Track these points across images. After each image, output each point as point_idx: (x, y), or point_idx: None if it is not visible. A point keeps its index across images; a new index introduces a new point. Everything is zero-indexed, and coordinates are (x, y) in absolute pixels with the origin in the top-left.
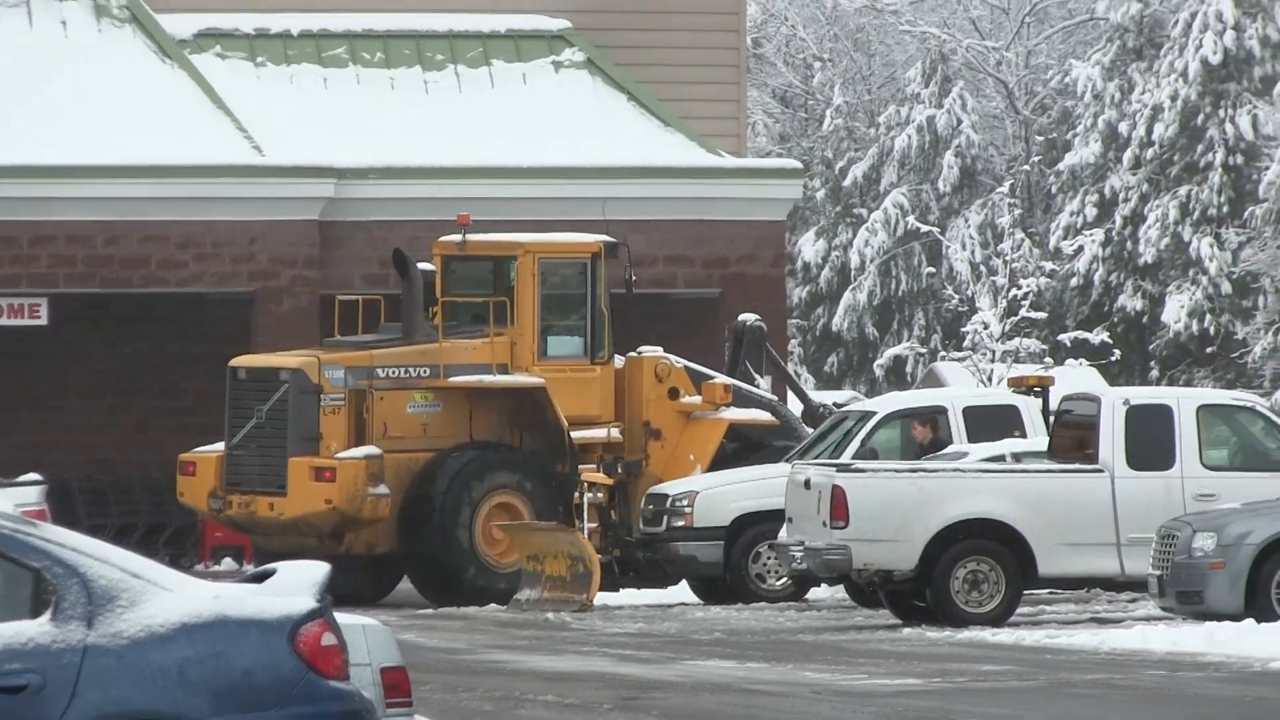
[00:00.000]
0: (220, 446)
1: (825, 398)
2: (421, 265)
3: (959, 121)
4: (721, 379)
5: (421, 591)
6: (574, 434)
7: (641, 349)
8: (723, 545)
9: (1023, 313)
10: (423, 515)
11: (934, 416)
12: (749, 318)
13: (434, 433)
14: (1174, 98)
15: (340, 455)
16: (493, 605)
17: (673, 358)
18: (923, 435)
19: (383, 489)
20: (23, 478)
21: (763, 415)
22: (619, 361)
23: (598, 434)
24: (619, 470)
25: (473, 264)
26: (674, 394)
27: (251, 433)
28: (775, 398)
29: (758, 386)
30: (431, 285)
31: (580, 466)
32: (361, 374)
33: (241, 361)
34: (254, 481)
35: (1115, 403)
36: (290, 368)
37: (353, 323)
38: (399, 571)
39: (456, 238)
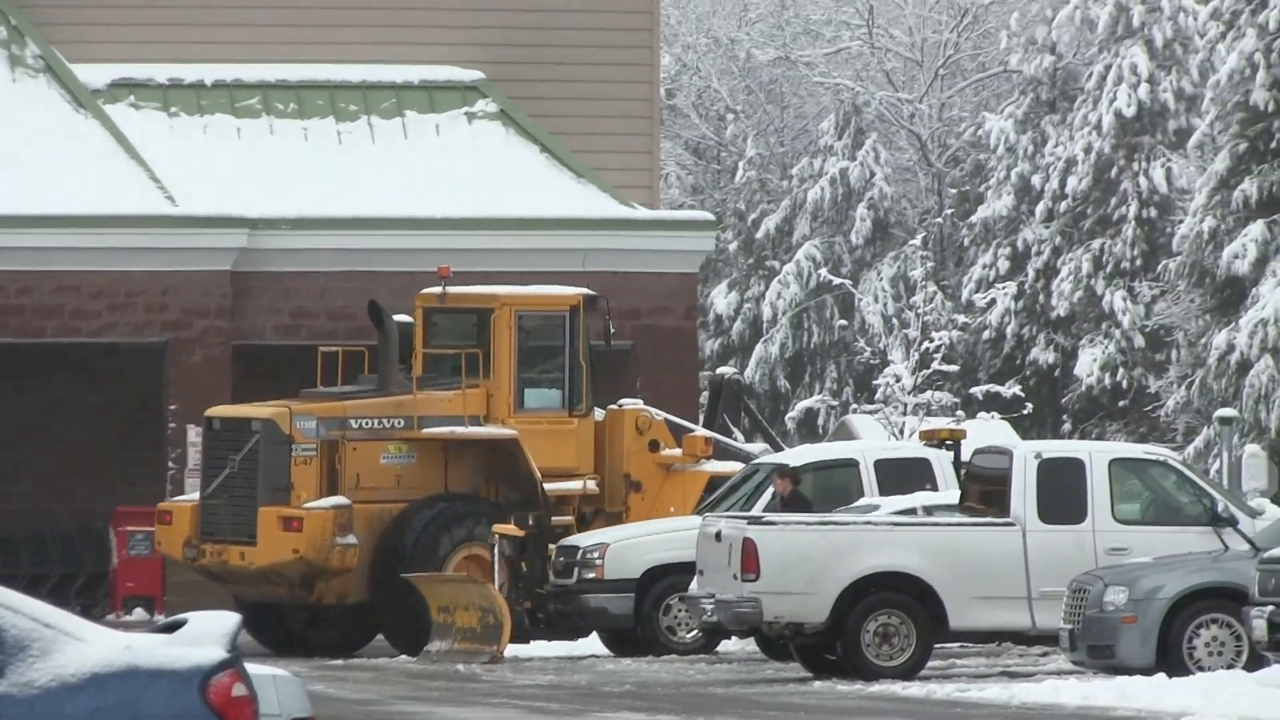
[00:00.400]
0: (196, 496)
1: (751, 449)
2: (397, 317)
3: (872, 174)
4: (702, 432)
5: (393, 643)
6: (550, 486)
7: (622, 401)
8: (633, 597)
9: (935, 366)
10: (392, 566)
11: (794, 471)
12: (726, 371)
13: (408, 484)
14: (1088, 150)
15: (308, 505)
16: (403, 657)
17: (653, 410)
18: (783, 488)
19: (351, 539)
20: None
21: (740, 467)
22: (599, 414)
23: (573, 486)
24: (530, 523)
25: (454, 316)
26: (654, 446)
27: (225, 482)
28: (754, 450)
29: (736, 439)
30: (408, 337)
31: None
32: (334, 424)
33: (216, 411)
34: (226, 531)
35: (1027, 456)
36: (262, 418)
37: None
38: (376, 623)
39: (438, 290)
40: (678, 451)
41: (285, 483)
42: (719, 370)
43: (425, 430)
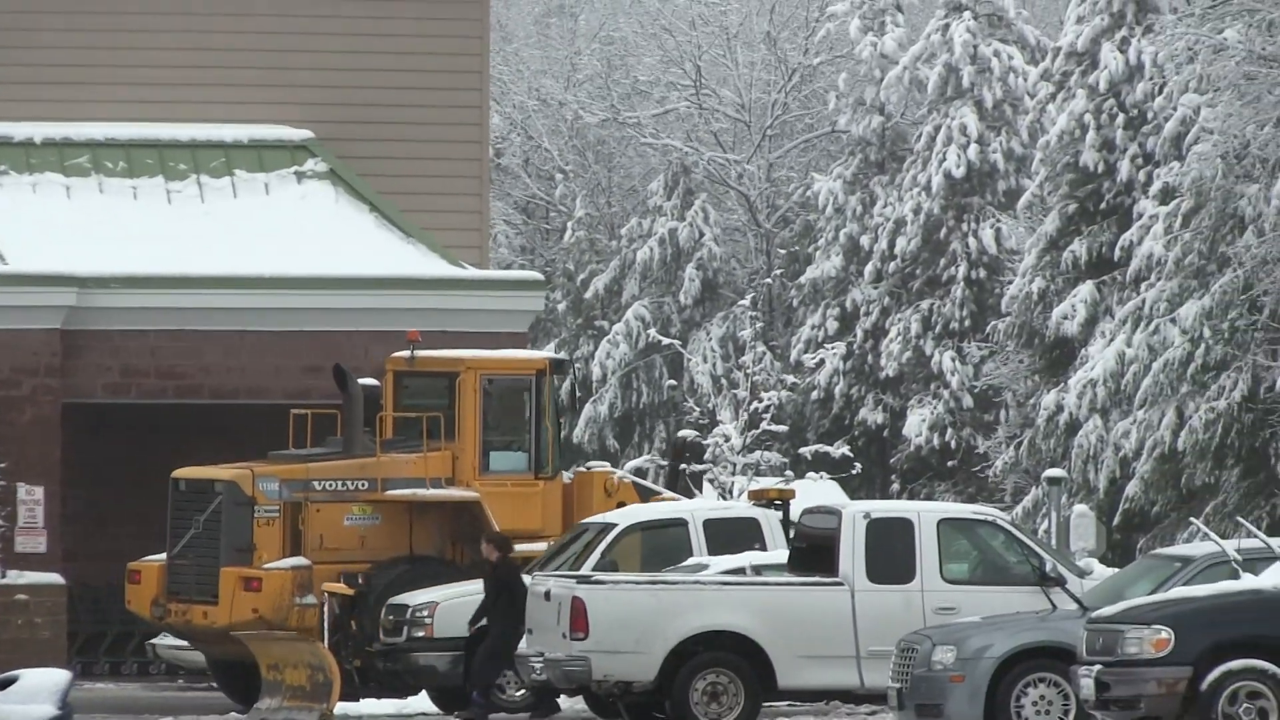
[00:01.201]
0: (164, 556)
1: None
2: (362, 380)
3: (701, 234)
4: (669, 494)
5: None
6: (516, 548)
7: (590, 464)
8: (463, 656)
9: (764, 426)
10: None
11: (500, 538)
12: (689, 434)
13: (372, 545)
14: (917, 211)
15: (268, 565)
16: (233, 714)
17: (620, 472)
18: (489, 552)
19: (310, 599)
20: None
21: None
22: (567, 476)
23: (539, 547)
24: (360, 581)
25: (423, 379)
26: (621, 507)
27: (190, 542)
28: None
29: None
30: (373, 399)
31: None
32: (297, 486)
33: (182, 473)
34: (191, 590)
35: (856, 516)
36: (224, 479)
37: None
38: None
39: (407, 354)
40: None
41: (248, 543)
42: (680, 433)
43: (388, 492)
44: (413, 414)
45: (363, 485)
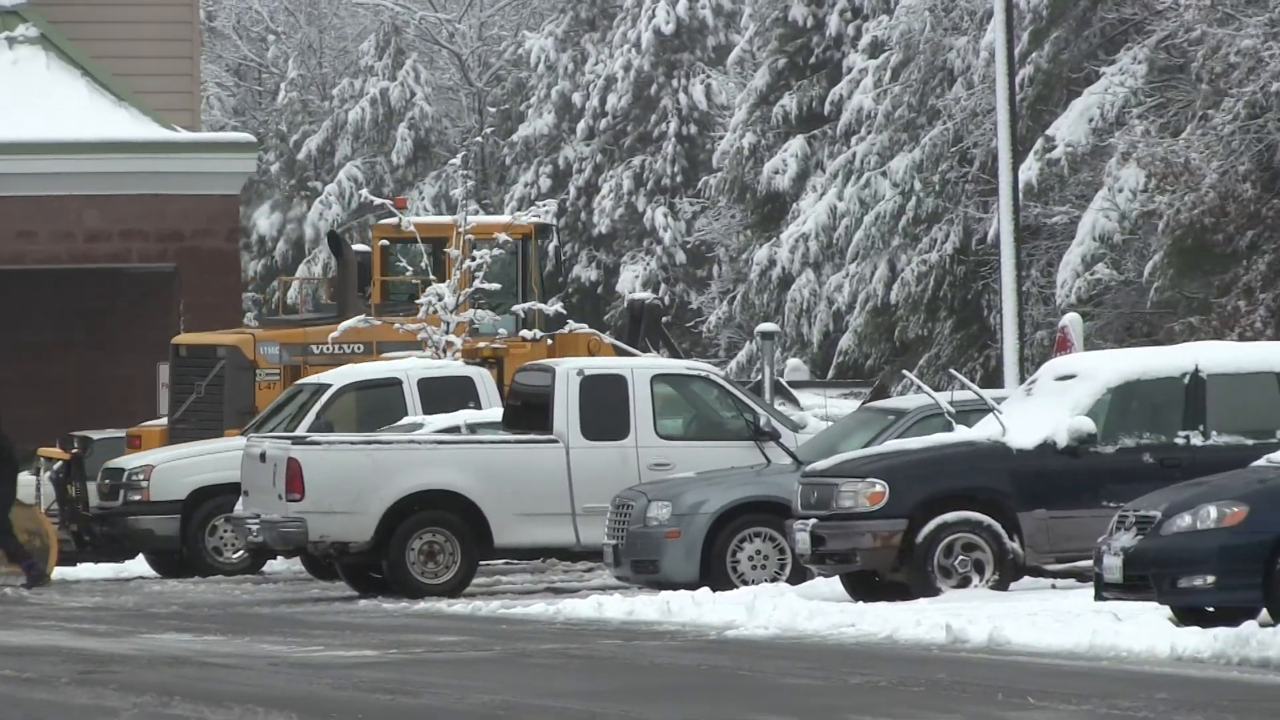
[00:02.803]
0: (165, 420)
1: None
2: (355, 247)
3: (412, 94)
4: (650, 355)
5: None
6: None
7: (571, 325)
8: (179, 519)
9: (477, 284)
10: None
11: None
12: (646, 296)
13: None
14: (627, 68)
15: None
16: None
17: (601, 335)
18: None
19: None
20: None
21: None
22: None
23: None
24: (75, 445)
25: (411, 246)
26: None
27: (192, 407)
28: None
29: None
30: (364, 266)
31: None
32: (296, 350)
33: (182, 339)
34: None
35: (569, 373)
36: (227, 345)
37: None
38: None
39: (395, 220)
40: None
41: (250, 406)
42: (637, 295)
43: (385, 355)
44: (410, 279)
45: (359, 349)
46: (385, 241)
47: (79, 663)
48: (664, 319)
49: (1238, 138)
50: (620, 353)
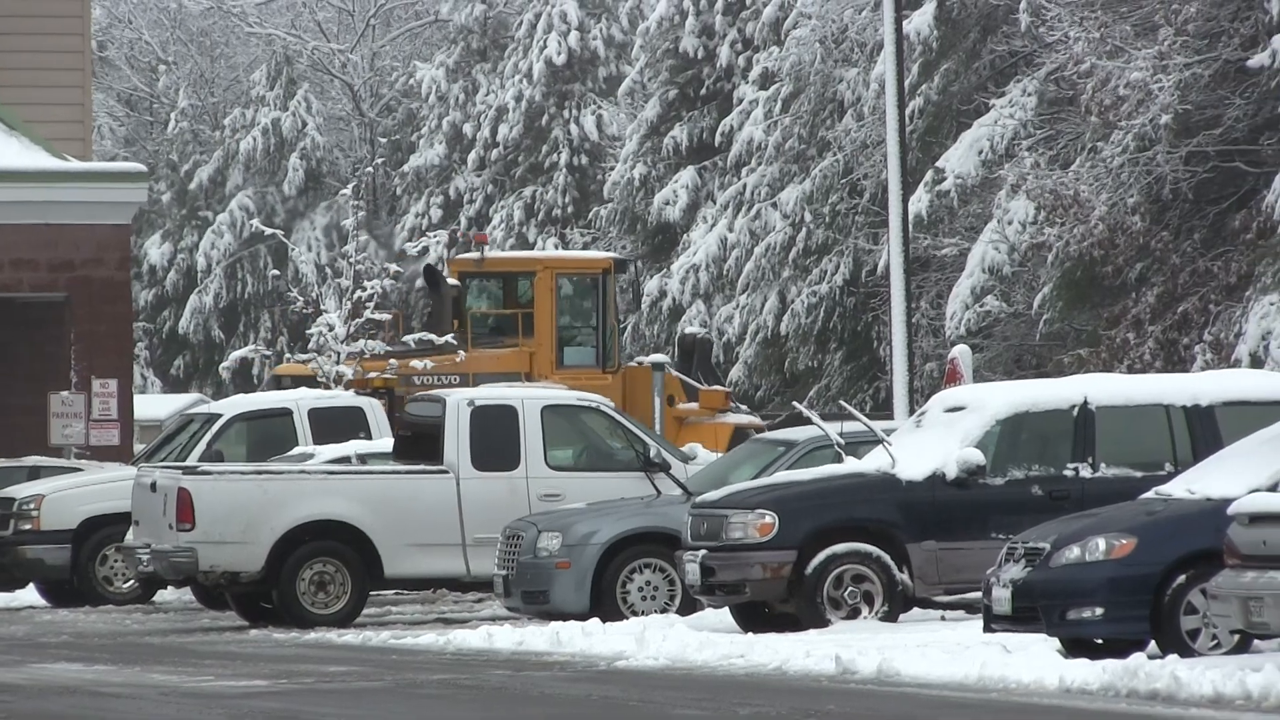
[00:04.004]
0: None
1: (179, 401)
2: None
3: (304, 124)
4: (719, 387)
5: None
6: None
7: (639, 359)
8: (70, 548)
9: (367, 314)
10: None
11: None
12: (698, 331)
13: None
14: (519, 99)
15: None
16: None
17: (668, 366)
18: None
19: None
20: None
21: (757, 420)
22: None
23: None
24: None
25: (487, 279)
26: (670, 401)
27: None
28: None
29: None
30: (457, 300)
31: None
32: (402, 380)
33: (287, 369)
34: None
35: (460, 403)
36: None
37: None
38: None
39: (475, 255)
40: (694, 405)
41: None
42: (688, 330)
43: (481, 386)
44: (492, 311)
45: (455, 380)
46: (460, 277)
47: None
48: (712, 353)
49: (1127, 170)
50: (685, 386)
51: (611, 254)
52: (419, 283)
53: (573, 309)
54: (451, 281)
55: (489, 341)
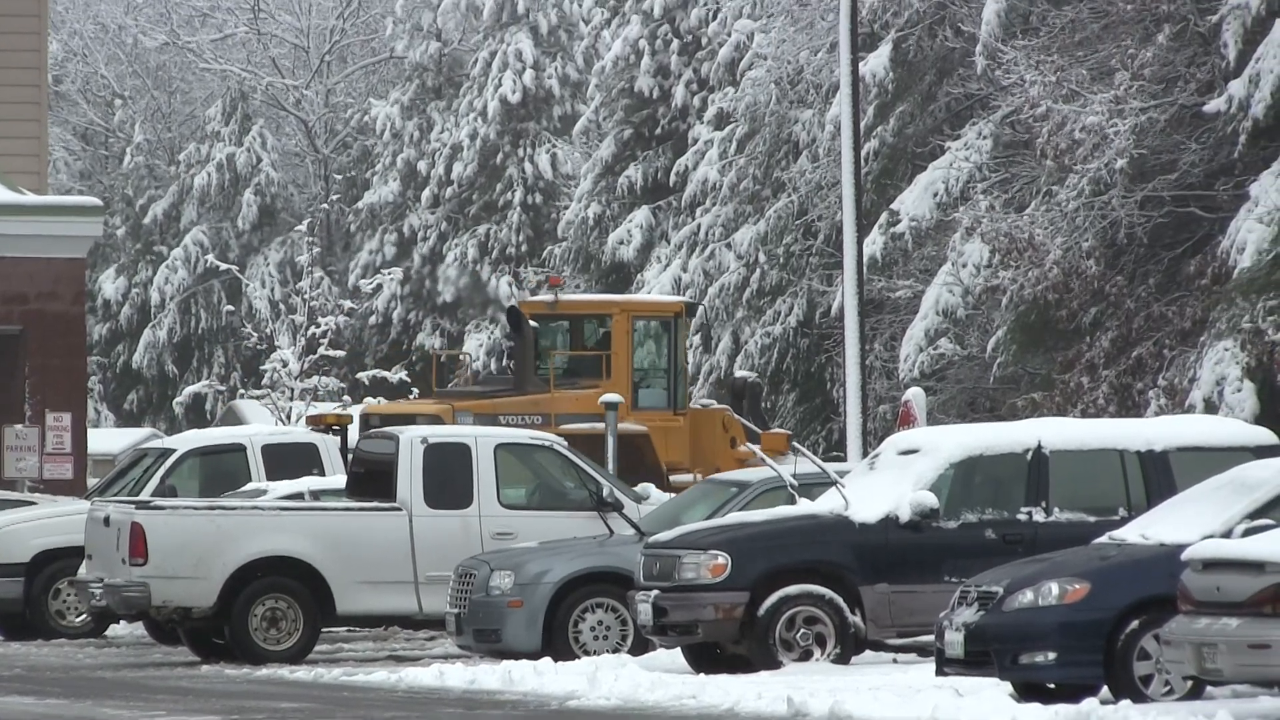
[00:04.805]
0: None
1: (133, 436)
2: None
3: (259, 160)
4: (781, 430)
5: None
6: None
7: (704, 401)
8: (23, 581)
9: (322, 351)
10: None
11: None
12: (748, 375)
13: None
14: (473, 136)
15: None
16: None
17: (731, 411)
18: None
19: None
20: None
21: (819, 462)
22: None
23: (687, 478)
24: None
25: (564, 321)
26: (733, 443)
27: None
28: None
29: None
30: (538, 341)
31: None
32: (486, 420)
33: (375, 409)
34: None
35: (413, 441)
36: (427, 414)
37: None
38: None
39: (548, 297)
40: (755, 447)
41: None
42: (739, 374)
43: (563, 426)
44: (568, 352)
45: (538, 420)
46: (537, 320)
47: None
48: (762, 397)
49: (1082, 214)
50: (748, 430)
51: (683, 298)
52: (502, 323)
53: (646, 351)
54: (531, 323)
55: (566, 383)
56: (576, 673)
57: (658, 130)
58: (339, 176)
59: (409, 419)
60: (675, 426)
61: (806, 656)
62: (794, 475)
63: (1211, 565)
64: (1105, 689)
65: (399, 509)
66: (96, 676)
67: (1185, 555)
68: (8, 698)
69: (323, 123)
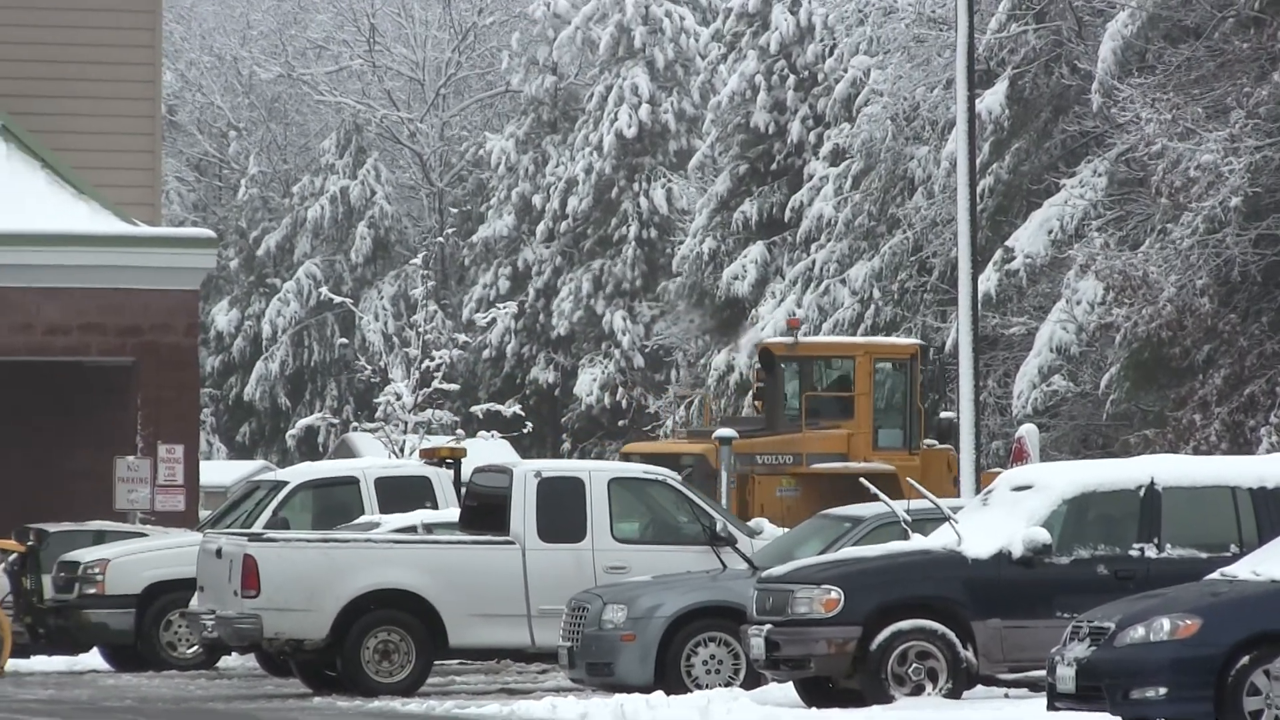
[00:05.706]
0: None
1: (245, 468)
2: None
3: (373, 192)
4: (1004, 471)
5: None
6: None
7: (927, 442)
8: (134, 613)
9: (435, 384)
10: None
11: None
12: (953, 415)
13: (794, 516)
14: (588, 171)
15: None
16: None
17: (955, 452)
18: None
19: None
20: None
21: None
22: None
23: None
24: (31, 538)
25: (803, 363)
26: (956, 483)
27: None
28: None
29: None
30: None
31: None
32: (745, 460)
33: (636, 448)
34: None
35: (527, 475)
36: (694, 453)
37: None
38: None
39: (788, 339)
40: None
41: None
42: (944, 414)
43: (814, 465)
44: (833, 394)
45: (789, 459)
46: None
47: None
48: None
49: (1196, 252)
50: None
51: (917, 340)
52: (755, 362)
53: (884, 392)
54: (782, 365)
55: (809, 423)
56: (689, 706)
57: (773, 165)
58: (454, 210)
59: (673, 459)
60: (911, 465)
61: (918, 691)
62: (908, 511)
63: None
64: None
65: (512, 542)
66: (208, 708)
67: None
68: None
69: (437, 156)
